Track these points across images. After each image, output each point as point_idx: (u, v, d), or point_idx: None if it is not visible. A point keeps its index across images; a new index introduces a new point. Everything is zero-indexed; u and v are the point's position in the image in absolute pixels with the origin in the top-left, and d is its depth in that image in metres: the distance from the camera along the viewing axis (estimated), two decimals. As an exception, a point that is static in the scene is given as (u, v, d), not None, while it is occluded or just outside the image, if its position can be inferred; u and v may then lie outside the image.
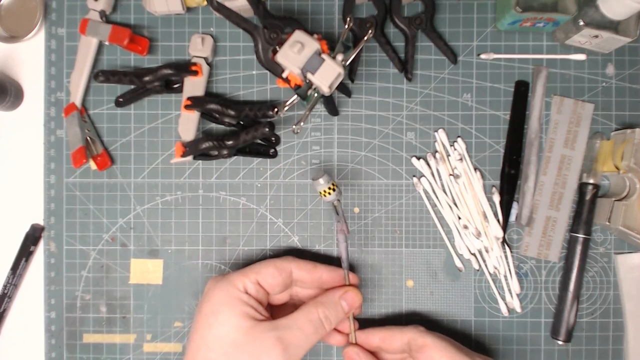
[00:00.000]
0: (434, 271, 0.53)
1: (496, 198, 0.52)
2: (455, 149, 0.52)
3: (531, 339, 0.52)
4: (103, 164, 0.52)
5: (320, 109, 0.53)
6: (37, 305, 0.53)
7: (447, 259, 0.53)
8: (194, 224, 0.53)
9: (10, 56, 0.54)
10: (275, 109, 0.47)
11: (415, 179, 0.53)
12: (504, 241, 0.52)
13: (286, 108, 0.46)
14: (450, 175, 0.52)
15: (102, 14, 0.51)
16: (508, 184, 0.52)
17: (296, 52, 0.43)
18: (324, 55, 0.44)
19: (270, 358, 0.41)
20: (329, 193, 0.48)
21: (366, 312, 0.53)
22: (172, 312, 0.53)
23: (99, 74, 0.50)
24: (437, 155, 0.52)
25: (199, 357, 0.43)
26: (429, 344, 0.45)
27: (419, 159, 0.53)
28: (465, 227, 0.52)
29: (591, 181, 0.51)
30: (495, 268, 0.52)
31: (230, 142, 0.49)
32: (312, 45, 0.43)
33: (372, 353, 0.48)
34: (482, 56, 0.52)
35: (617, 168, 0.50)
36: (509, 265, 0.52)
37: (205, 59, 0.52)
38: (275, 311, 0.49)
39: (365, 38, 0.46)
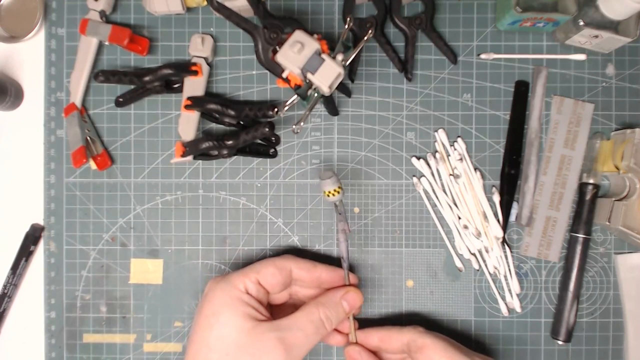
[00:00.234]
0: (434, 271, 0.53)
1: (496, 198, 0.52)
2: (455, 149, 0.52)
3: (531, 339, 0.52)
4: (103, 164, 0.52)
5: (320, 109, 0.53)
6: (37, 305, 0.53)
7: (447, 259, 0.53)
8: (194, 223, 0.53)
9: (10, 56, 0.54)
10: (275, 109, 0.47)
11: (415, 179, 0.53)
12: (504, 241, 0.52)
13: (286, 108, 0.46)
14: (450, 175, 0.52)
15: (102, 14, 0.51)
16: (508, 184, 0.52)
17: (296, 52, 0.43)
18: (324, 55, 0.44)
19: (271, 359, 0.41)
20: (334, 194, 0.48)
21: (366, 312, 0.53)
22: (172, 312, 0.53)
23: (99, 74, 0.50)
24: (437, 155, 0.52)
25: (200, 358, 0.42)
26: (428, 345, 0.45)
27: (419, 159, 0.53)
28: (465, 227, 0.52)
29: (591, 181, 0.51)
30: (495, 268, 0.52)
31: (230, 142, 0.49)
32: (312, 45, 0.43)
33: (372, 352, 0.48)
34: (482, 56, 0.52)
35: (617, 168, 0.50)
36: (509, 265, 0.52)
37: (205, 59, 0.52)
38: (274, 310, 0.49)
39: (365, 38, 0.46)
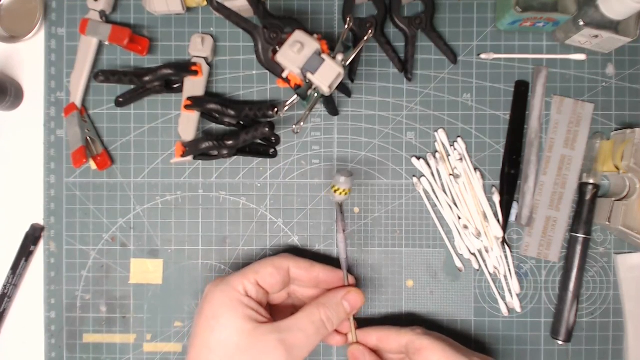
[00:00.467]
0: (434, 271, 0.53)
1: (496, 198, 0.52)
2: (455, 149, 0.52)
3: (531, 339, 0.52)
4: (103, 164, 0.52)
5: (320, 109, 0.53)
6: (37, 305, 0.53)
7: (447, 259, 0.53)
8: (194, 224, 0.53)
9: (10, 56, 0.54)
10: (275, 109, 0.47)
11: (415, 179, 0.53)
12: (504, 241, 0.52)
13: (286, 108, 0.46)
14: (450, 175, 0.52)
15: (102, 14, 0.51)
16: (508, 184, 0.52)
17: (296, 52, 0.43)
18: (324, 55, 0.44)
19: None
20: (342, 194, 0.48)
21: (366, 312, 0.53)
22: (172, 312, 0.53)
23: (99, 74, 0.50)
24: (437, 155, 0.52)
25: None
26: (426, 347, 0.45)
27: (419, 159, 0.53)
28: (465, 227, 0.52)
29: (591, 181, 0.51)
30: (495, 268, 0.52)
31: (230, 142, 0.49)
32: (312, 45, 0.43)
33: (374, 351, 0.48)
34: (482, 56, 0.52)
35: (617, 168, 0.50)
36: (509, 265, 0.52)
37: (205, 59, 0.52)
38: (273, 310, 0.49)
39: (365, 38, 0.46)
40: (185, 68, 0.50)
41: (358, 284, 0.52)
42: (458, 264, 0.52)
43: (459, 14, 0.53)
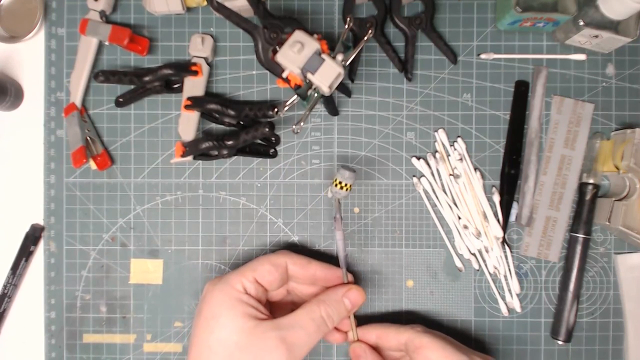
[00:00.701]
0: (434, 271, 0.53)
1: (496, 198, 0.52)
2: (455, 149, 0.52)
3: (531, 339, 0.52)
4: (103, 164, 0.52)
5: (320, 109, 0.53)
6: (37, 305, 0.53)
7: (447, 259, 0.53)
8: (194, 224, 0.53)
9: (10, 56, 0.54)
10: (275, 109, 0.47)
11: (415, 179, 0.53)
12: (504, 241, 0.52)
13: (286, 108, 0.46)
14: (450, 175, 0.52)
15: (102, 14, 0.51)
16: (508, 184, 0.52)
17: (296, 52, 0.43)
18: (324, 55, 0.44)
19: (274, 358, 0.41)
20: (343, 188, 0.48)
21: (366, 312, 0.53)
22: (172, 312, 0.53)
23: (99, 74, 0.50)
24: (437, 155, 0.52)
25: None
26: (426, 345, 0.45)
27: (419, 159, 0.53)
28: (465, 227, 0.52)
29: (591, 181, 0.51)
30: (495, 268, 0.52)
31: (230, 142, 0.49)
32: (312, 45, 0.43)
33: (375, 349, 0.48)
34: (482, 56, 0.52)
35: (617, 168, 0.50)
36: (509, 265, 0.52)
37: (205, 59, 0.52)
38: (273, 307, 0.49)
39: (365, 38, 0.46)
40: (185, 68, 0.50)
41: (357, 282, 0.52)
42: (458, 264, 0.52)
43: (459, 14, 0.53)
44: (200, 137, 0.50)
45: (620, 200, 0.50)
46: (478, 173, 0.52)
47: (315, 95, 0.45)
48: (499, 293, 0.52)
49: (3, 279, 0.53)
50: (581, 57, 0.52)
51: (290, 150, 0.53)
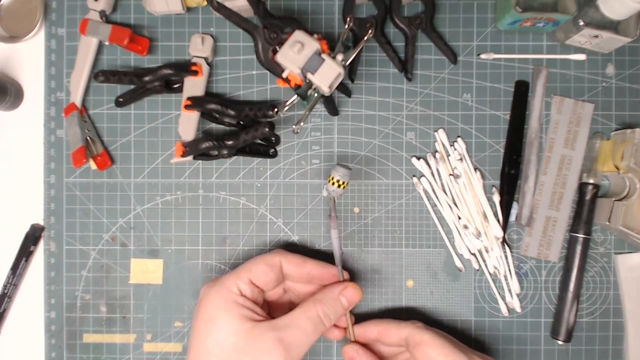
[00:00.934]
0: (434, 271, 0.53)
1: (496, 198, 0.52)
2: (455, 149, 0.52)
3: (531, 339, 0.52)
4: (103, 164, 0.52)
5: (320, 109, 0.53)
6: (37, 305, 0.53)
7: (447, 259, 0.53)
8: (194, 224, 0.53)
9: (10, 56, 0.54)
10: (275, 109, 0.47)
11: (415, 179, 0.53)
12: (504, 241, 0.52)
13: (286, 108, 0.46)
14: (450, 175, 0.52)
15: (102, 14, 0.51)
16: (508, 184, 0.52)
17: (296, 52, 0.43)
18: (324, 55, 0.44)
19: (271, 359, 0.41)
20: (339, 185, 0.48)
21: (366, 312, 0.53)
22: (172, 312, 0.53)
23: (99, 74, 0.50)
24: (437, 155, 0.52)
25: None
26: (426, 341, 0.45)
27: (419, 159, 0.53)
28: (465, 227, 0.52)
29: (591, 181, 0.51)
30: (495, 268, 0.52)
31: (230, 142, 0.49)
32: (312, 45, 0.43)
33: (369, 346, 0.48)
34: (482, 56, 0.52)
35: (617, 168, 0.50)
36: (509, 265, 0.52)
37: (205, 59, 0.52)
38: (271, 307, 0.49)
39: (365, 38, 0.46)
40: (185, 68, 0.50)
41: (356, 281, 0.52)
42: (458, 264, 0.52)
43: (459, 14, 0.53)
44: (200, 137, 0.50)
45: (620, 200, 0.50)
46: (478, 173, 0.52)
47: (315, 95, 0.45)
48: (499, 293, 0.52)
49: (3, 279, 0.53)
50: (581, 57, 0.52)
51: (290, 150, 0.53)
